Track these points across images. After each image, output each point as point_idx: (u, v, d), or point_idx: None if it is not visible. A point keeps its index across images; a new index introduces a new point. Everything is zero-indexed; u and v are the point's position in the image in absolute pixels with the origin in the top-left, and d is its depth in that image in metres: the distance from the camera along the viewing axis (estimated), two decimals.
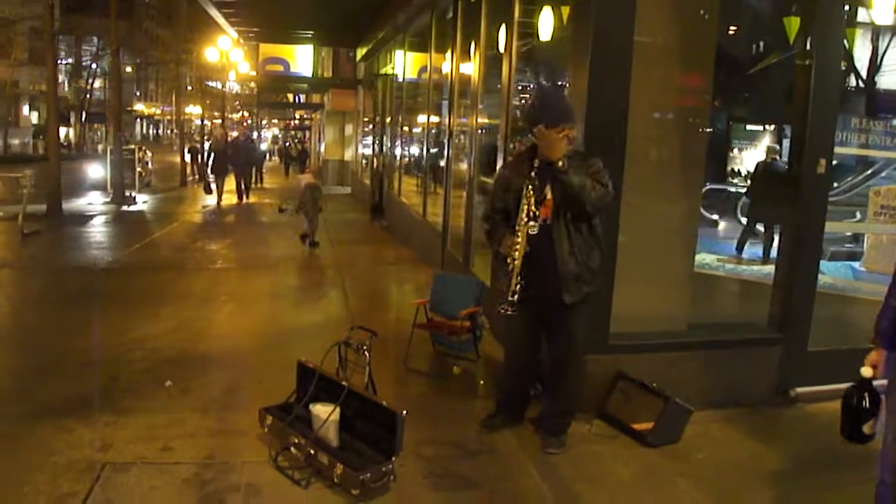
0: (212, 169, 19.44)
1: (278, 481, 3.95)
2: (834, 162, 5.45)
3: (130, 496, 3.72)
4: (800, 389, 5.42)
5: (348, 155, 25.52)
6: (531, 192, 4.21)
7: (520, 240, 4.20)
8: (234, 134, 31.07)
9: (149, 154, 23.10)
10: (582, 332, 4.49)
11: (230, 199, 18.90)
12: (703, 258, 9.63)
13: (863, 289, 9.24)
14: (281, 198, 17.64)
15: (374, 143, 17.88)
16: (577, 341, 4.49)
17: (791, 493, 4.15)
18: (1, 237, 12.17)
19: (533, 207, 4.21)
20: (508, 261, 4.21)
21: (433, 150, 11.98)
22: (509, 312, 4.24)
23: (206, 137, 28.40)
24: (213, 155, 19.19)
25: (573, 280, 4.27)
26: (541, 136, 4.16)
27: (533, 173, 4.18)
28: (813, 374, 5.43)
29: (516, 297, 4.19)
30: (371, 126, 18.95)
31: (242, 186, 19.61)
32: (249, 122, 53.69)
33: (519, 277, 4.18)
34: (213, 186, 19.15)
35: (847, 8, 5.41)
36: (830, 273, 9.44)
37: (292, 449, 4.13)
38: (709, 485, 4.18)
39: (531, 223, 4.21)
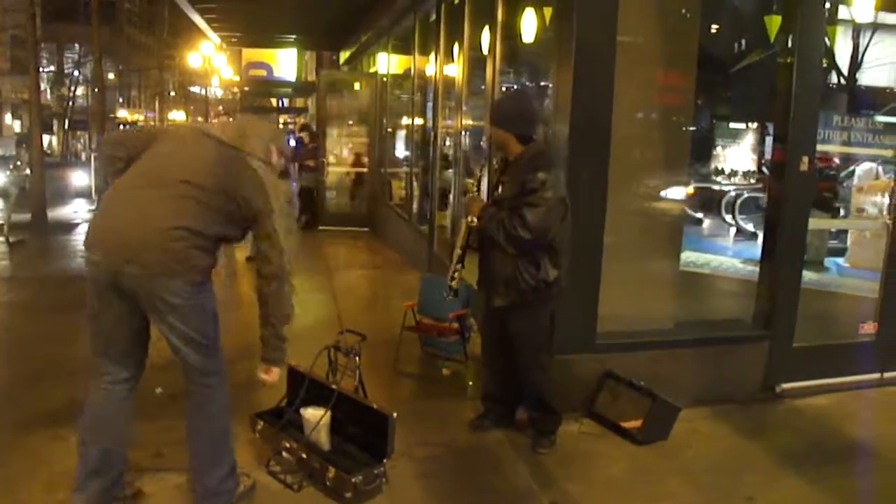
0: None
1: (270, 486, 3.96)
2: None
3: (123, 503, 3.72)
4: (786, 385, 5.48)
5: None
6: (473, 185, 4.54)
7: (463, 228, 4.41)
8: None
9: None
10: (529, 336, 4.36)
11: None
12: (688, 256, 9.69)
13: (846, 284, 9.33)
14: None
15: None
16: (522, 344, 4.39)
17: (779, 488, 4.20)
18: None
19: None
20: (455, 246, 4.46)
21: (418, 153, 11.98)
22: (448, 297, 4.52)
23: None
24: None
25: (502, 283, 4.25)
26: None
27: (479, 170, 4.38)
28: (799, 370, 5.51)
29: (454, 282, 4.43)
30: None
31: None
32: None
33: (459, 266, 4.41)
34: None
35: (828, 5, 5.46)
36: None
37: (284, 453, 4.14)
38: (698, 480, 4.23)
39: (471, 217, 4.34)
